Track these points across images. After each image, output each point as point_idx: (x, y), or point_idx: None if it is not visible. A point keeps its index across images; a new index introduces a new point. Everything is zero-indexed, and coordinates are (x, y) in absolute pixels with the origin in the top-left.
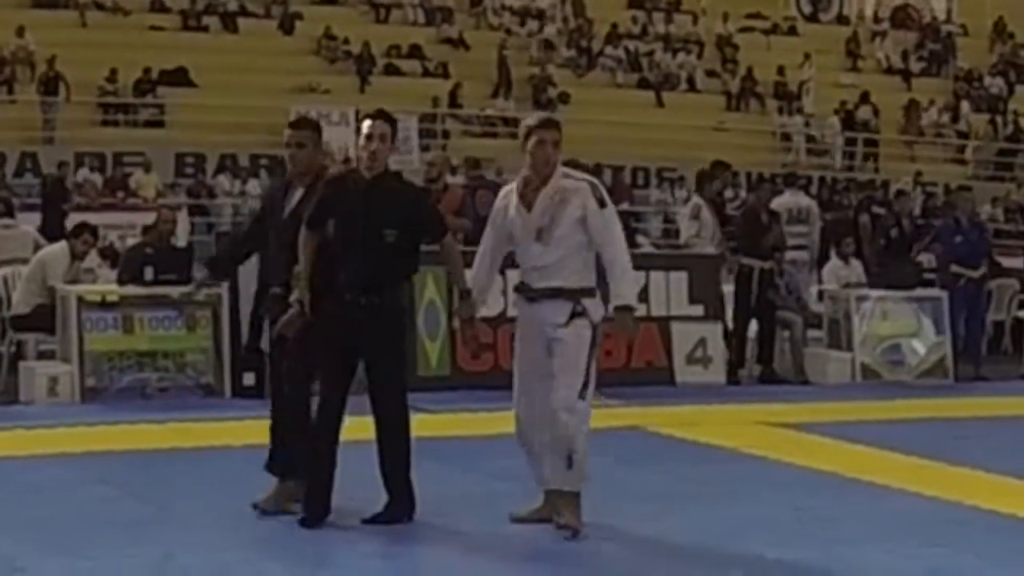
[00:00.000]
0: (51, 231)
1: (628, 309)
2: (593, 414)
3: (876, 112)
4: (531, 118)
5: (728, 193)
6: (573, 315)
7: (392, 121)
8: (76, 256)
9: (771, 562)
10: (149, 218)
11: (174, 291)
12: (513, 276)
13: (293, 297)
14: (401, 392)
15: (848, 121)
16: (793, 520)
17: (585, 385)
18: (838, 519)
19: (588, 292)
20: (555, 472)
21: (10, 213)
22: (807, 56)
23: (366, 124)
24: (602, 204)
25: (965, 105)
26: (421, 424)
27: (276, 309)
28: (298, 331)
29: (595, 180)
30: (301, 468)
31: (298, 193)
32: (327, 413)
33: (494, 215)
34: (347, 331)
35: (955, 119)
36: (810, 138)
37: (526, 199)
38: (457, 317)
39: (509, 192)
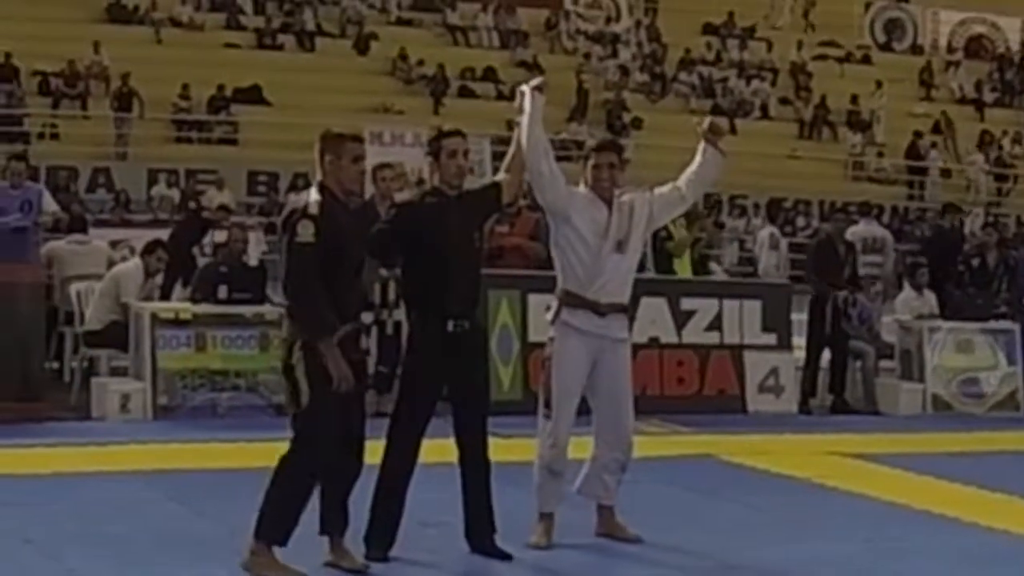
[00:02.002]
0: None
1: None
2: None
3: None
4: (592, 141)
5: (800, 222)
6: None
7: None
8: (149, 273)
9: None
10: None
11: (248, 310)
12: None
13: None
14: (487, 418)
15: (913, 150)
16: (863, 552)
17: None
18: (907, 552)
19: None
20: (611, 489)
21: (83, 229)
22: (879, 84)
23: (452, 141)
24: None
25: None
26: (494, 448)
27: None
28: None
29: None
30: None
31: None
32: (412, 447)
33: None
34: (449, 361)
35: None
36: (879, 168)
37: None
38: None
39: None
